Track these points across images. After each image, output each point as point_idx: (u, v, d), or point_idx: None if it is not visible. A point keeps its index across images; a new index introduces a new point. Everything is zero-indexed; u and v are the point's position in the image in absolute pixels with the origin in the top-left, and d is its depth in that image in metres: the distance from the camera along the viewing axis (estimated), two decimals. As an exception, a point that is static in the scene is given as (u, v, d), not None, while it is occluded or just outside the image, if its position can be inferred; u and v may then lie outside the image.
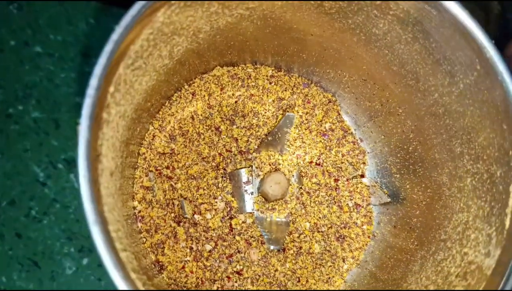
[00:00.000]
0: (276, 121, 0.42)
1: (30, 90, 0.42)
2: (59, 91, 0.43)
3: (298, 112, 0.42)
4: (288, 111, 0.42)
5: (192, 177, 0.39)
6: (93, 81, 0.24)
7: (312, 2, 0.34)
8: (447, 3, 0.29)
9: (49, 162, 0.42)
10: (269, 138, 0.40)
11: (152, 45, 0.30)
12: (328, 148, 0.42)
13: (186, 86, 0.41)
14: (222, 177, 0.40)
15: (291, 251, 0.39)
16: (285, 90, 0.43)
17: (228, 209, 0.38)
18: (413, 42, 0.33)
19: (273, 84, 0.43)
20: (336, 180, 0.41)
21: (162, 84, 0.37)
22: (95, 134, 0.23)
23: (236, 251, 0.38)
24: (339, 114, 0.43)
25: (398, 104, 0.38)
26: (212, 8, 0.32)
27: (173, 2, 0.28)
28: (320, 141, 0.42)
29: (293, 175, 0.40)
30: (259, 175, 0.39)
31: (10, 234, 0.41)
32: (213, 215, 0.37)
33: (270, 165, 0.40)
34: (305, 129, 0.42)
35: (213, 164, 0.40)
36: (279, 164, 0.40)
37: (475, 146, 0.31)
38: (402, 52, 0.35)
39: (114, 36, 0.25)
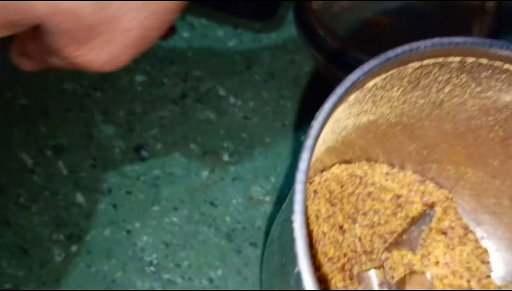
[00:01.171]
0: (396, 219, 0.40)
1: (17, 77, 0.42)
2: (47, 77, 0.42)
3: (417, 209, 0.41)
4: (406, 209, 0.41)
5: (319, 281, 0.37)
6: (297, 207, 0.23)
7: (454, 100, 0.34)
8: None
9: (37, 149, 0.41)
10: (403, 236, 0.38)
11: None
12: (450, 246, 0.41)
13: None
14: (350, 278, 0.37)
15: None
16: (402, 188, 0.42)
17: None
18: None
19: (389, 181, 0.42)
20: (468, 281, 0.39)
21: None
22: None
23: None
24: (457, 211, 0.42)
25: (537, 201, 0.37)
26: (366, 106, 0.32)
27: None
28: (441, 240, 0.41)
29: (427, 277, 0.38)
30: (393, 277, 0.37)
31: (-1, 222, 0.41)
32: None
33: (403, 266, 0.38)
34: (425, 227, 0.41)
35: (338, 265, 0.38)
36: (414, 265, 0.38)
37: None
38: (548, 148, 0.34)
39: (302, 166, 0.25)
